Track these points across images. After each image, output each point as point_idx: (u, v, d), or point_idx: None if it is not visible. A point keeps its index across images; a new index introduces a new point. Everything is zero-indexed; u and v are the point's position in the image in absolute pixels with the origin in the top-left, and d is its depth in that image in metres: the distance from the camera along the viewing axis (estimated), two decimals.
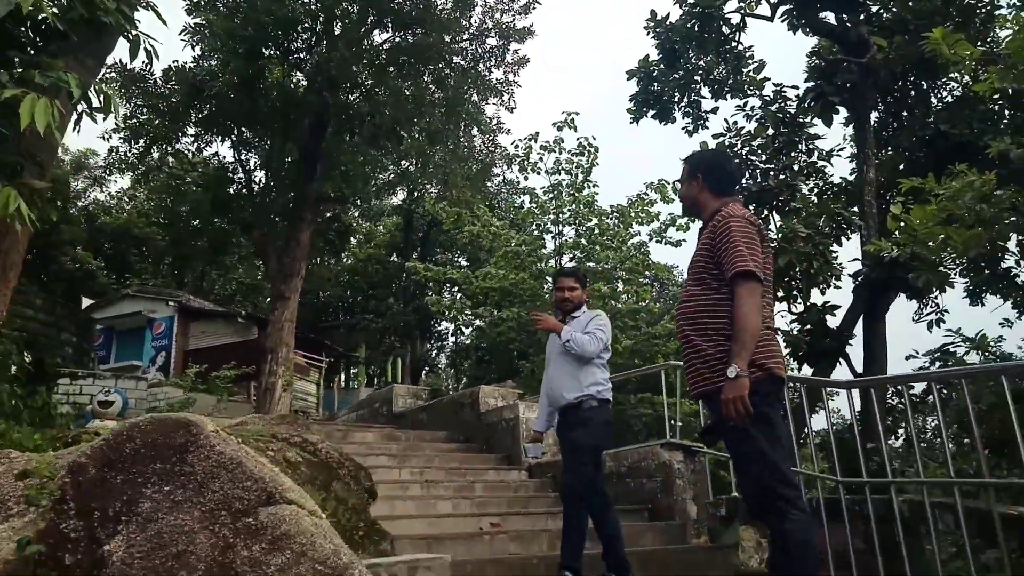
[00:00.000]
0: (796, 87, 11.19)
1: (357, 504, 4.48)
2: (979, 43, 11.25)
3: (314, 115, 11.05)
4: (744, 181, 10.64)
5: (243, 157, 12.61)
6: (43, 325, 12.35)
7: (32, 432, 9.86)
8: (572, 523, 4.35)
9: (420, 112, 11.64)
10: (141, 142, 12.39)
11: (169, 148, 12.59)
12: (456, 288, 21.95)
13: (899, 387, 7.23)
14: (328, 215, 16.27)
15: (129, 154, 12.68)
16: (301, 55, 11.10)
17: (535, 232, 19.43)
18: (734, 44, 14.17)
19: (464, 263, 36.74)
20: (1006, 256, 6.14)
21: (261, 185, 12.68)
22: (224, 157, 13.22)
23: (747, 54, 14.11)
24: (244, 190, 12.65)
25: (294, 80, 11.79)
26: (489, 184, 35.76)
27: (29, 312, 11.96)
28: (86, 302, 22.89)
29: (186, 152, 12.92)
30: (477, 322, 21.92)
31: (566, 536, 4.33)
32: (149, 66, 11.53)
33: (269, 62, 11.38)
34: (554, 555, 4.54)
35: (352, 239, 39.59)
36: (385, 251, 36.50)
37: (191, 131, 12.42)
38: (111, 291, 22.36)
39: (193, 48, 11.17)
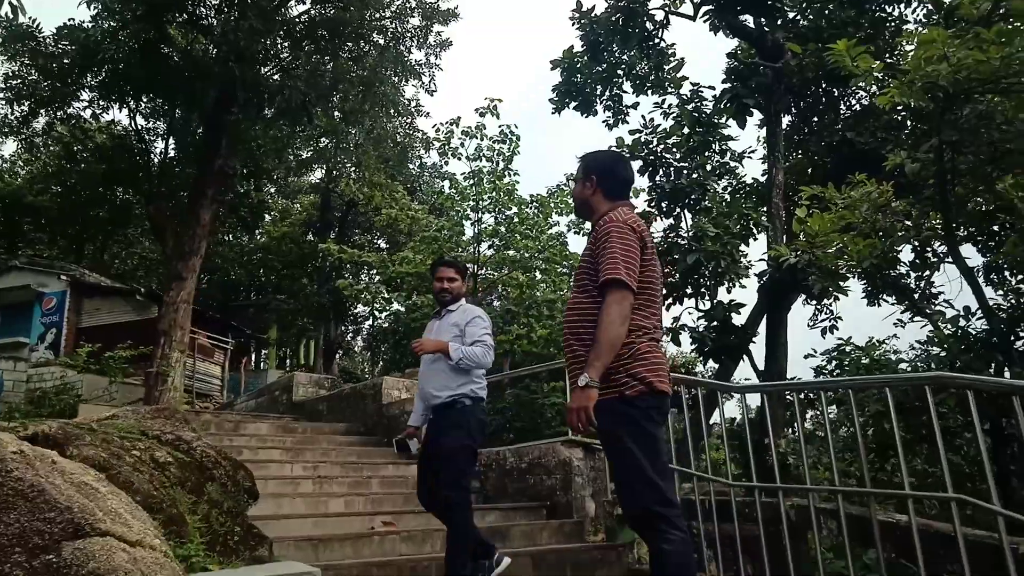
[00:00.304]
0: (712, 87, 11.32)
1: (233, 507, 4.20)
2: (887, 55, 11.65)
3: (220, 87, 10.45)
4: (657, 179, 10.71)
5: (141, 127, 11.81)
6: None
7: None
8: (465, 536, 4.19)
9: (335, 89, 11.17)
10: (25, 104, 11.44)
11: (59, 113, 11.69)
12: (374, 272, 21.46)
13: (790, 394, 7.42)
14: (240, 191, 15.52)
15: (11, 116, 11.70)
16: (209, 20, 10.44)
17: (455, 218, 19.23)
18: (657, 41, 14.24)
19: (384, 246, 36.11)
20: (898, 266, 6.34)
21: (160, 158, 11.93)
22: (121, 126, 12.36)
23: (669, 51, 14.21)
24: (141, 161, 11.87)
25: (201, 48, 11.11)
26: (411, 167, 35.30)
27: None
28: None
29: (81, 119, 12.01)
30: (395, 305, 21.59)
31: (460, 553, 4.16)
32: (37, 23, 10.67)
33: (171, 26, 10.66)
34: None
35: (266, 216, 38.27)
36: (301, 230, 35.38)
37: (85, 96, 11.56)
38: None
39: (89, 7, 10.34)
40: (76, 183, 12.79)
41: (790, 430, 10.60)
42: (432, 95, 13.89)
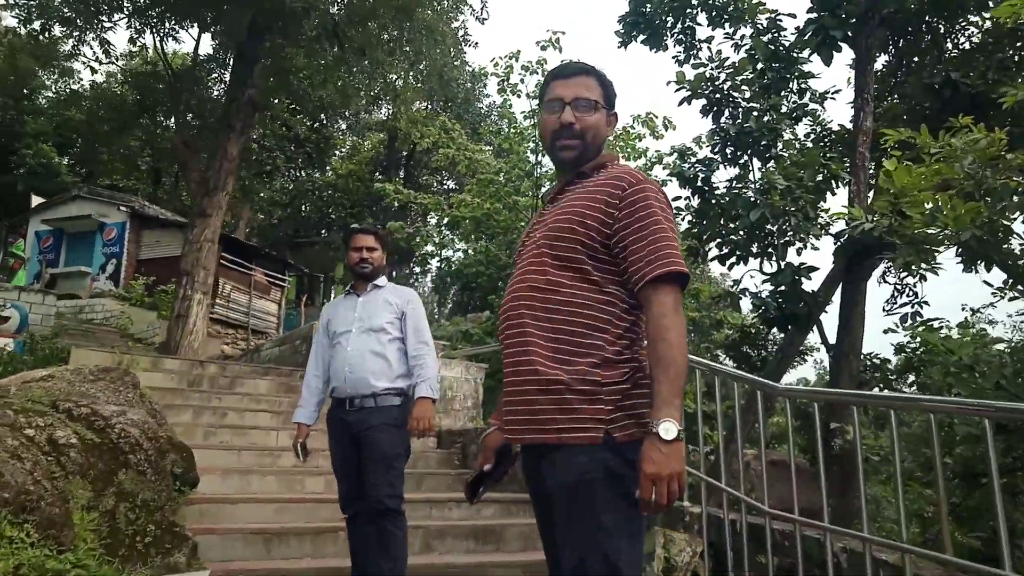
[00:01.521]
0: (794, 15, 9.81)
1: (152, 499, 3.54)
2: None
3: (250, 10, 9.68)
4: (722, 121, 9.43)
5: (171, 53, 11.24)
6: None
7: None
8: (405, 550, 3.45)
9: (373, 14, 10.23)
10: (56, 29, 10.98)
11: (89, 36, 11.20)
12: (439, 214, 20.74)
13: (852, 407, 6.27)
14: (281, 125, 14.85)
15: (42, 39, 11.25)
16: None
17: (514, 159, 18.21)
18: None
19: (454, 187, 35.43)
20: (1010, 239, 5.05)
21: (183, 85, 11.35)
22: (152, 51, 11.79)
23: None
24: (171, 89, 11.30)
25: None
26: (480, 106, 34.22)
27: None
28: (36, 200, 21.73)
29: (110, 44, 11.51)
30: (453, 250, 20.93)
31: (399, 559, 3.43)
32: None
33: None
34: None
35: (336, 153, 38.05)
36: (368, 169, 34.97)
37: (117, 21, 10.98)
38: (62, 191, 21.11)
39: None
40: (105, 111, 12.36)
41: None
42: (483, 23, 12.69)
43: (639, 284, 1.75)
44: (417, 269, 40.14)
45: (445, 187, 37.52)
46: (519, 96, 17.83)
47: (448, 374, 7.33)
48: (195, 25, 11.16)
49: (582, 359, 1.75)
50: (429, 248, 18.55)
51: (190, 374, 7.54)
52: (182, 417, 6.06)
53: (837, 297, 10.10)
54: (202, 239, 9.97)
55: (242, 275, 19.89)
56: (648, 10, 13.27)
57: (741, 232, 9.49)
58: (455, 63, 13.68)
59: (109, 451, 3.55)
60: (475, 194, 18.46)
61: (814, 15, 10.38)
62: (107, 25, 10.85)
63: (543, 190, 18.74)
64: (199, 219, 10.10)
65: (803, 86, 9.65)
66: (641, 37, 13.77)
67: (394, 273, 34.39)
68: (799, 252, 9.69)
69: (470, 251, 18.46)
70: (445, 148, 18.60)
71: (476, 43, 13.45)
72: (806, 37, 9.93)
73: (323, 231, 38.48)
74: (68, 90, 18.77)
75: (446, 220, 19.62)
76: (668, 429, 1.58)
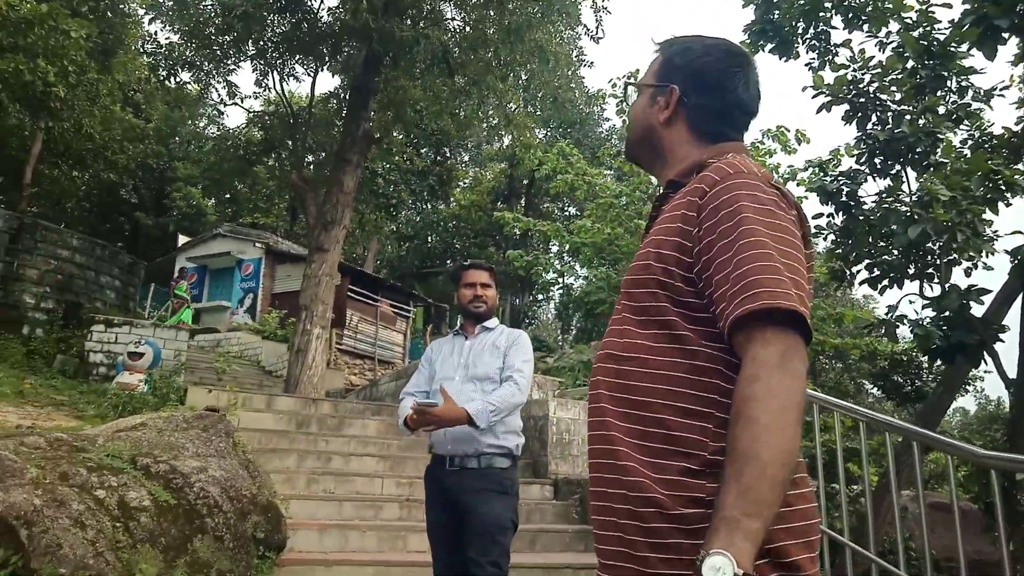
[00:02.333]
0: (950, 5, 8.68)
1: (229, 570, 3.20)
2: None
3: (364, 45, 9.70)
4: (869, 127, 8.40)
5: (290, 93, 11.55)
6: (80, 268, 11.94)
7: (68, 383, 9.41)
8: None
9: (484, 39, 10.02)
10: (185, 74, 11.56)
11: (215, 82, 11.70)
12: (559, 240, 20.39)
13: None
14: (402, 157, 15.00)
15: (169, 84, 11.84)
16: None
17: (635, 182, 17.55)
18: None
19: (575, 213, 35.12)
20: None
21: (306, 121, 11.56)
22: (275, 91, 12.16)
23: None
24: (291, 127, 11.57)
25: (348, 4, 10.45)
26: (600, 130, 33.79)
27: (64, 254, 11.58)
28: (182, 239, 23.22)
29: (237, 87, 11.99)
30: (574, 277, 20.46)
31: None
32: None
33: None
34: None
35: (460, 184, 38.74)
36: (489, 198, 35.30)
37: (244, 66, 11.44)
38: (203, 230, 22.45)
39: None
40: (229, 153, 12.87)
41: None
42: (598, 42, 12.22)
43: (726, 332, 1.14)
44: (540, 297, 39.97)
45: (566, 213, 37.31)
46: None
47: (564, 415, 6.77)
48: (312, 60, 11.39)
49: (677, 461, 1.17)
50: (550, 276, 18.11)
51: (300, 413, 7.40)
52: (286, 462, 5.85)
53: (1014, 323, 8.76)
54: (320, 273, 10.00)
55: (369, 306, 20.30)
56: (776, 17, 12.36)
57: (895, 251, 8.40)
58: (570, 84, 13.27)
59: (185, 514, 3.25)
60: (595, 219, 17.93)
61: (970, 5, 9.17)
62: (231, 68, 11.30)
63: None
64: (317, 254, 10.15)
65: (963, 84, 8.47)
66: (769, 46, 12.84)
67: (516, 300, 34.34)
68: (967, 273, 8.47)
69: (592, 277, 17.89)
70: (564, 174, 18.23)
71: (592, 63, 12.98)
72: (964, 29, 8.75)
73: (448, 261, 39.14)
74: (211, 134, 20.02)
75: (567, 247, 19.21)
76: (718, 567, 0.95)
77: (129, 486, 3.20)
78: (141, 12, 12.56)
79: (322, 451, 6.30)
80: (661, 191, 1.44)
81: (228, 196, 29.32)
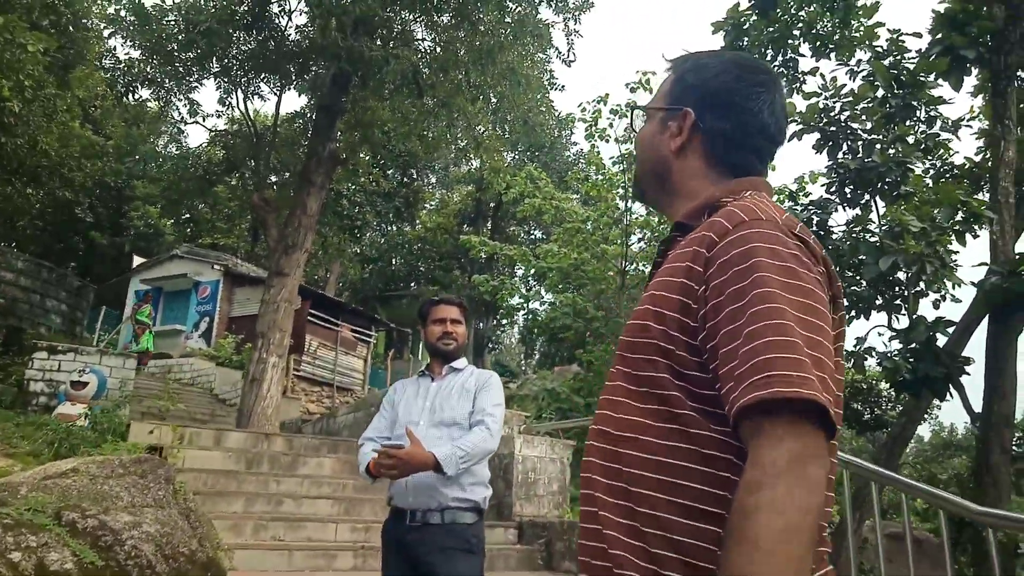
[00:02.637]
0: (919, 35, 8.76)
1: None
2: None
3: (331, 64, 9.45)
4: (840, 156, 8.37)
5: (254, 111, 11.20)
6: (24, 291, 11.38)
7: (3, 415, 8.85)
8: None
9: (453, 61, 9.82)
10: (144, 92, 11.15)
11: (176, 100, 11.31)
12: (524, 265, 20.22)
13: None
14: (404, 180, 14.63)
15: (128, 102, 11.42)
16: None
17: (602, 207, 17.50)
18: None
19: (540, 236, 35.07)
20: None
21: (269, 140, 11.22)
22: (238, 111, 11.78)
23: (859, 3, 11.59)
24: (253, 146, 11.21)
25: (317, 23, 10.21)
26: (568, 154, 33.90)
27: (7, 276, 11.01)
28: (137, 261, 22.53)
29: (198, 104, 11.60)
30: (539, 302, 20.30)
31: None
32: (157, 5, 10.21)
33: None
34: None
35: (426, 205, 38.45)
36: (455, 221, 35.10)
37: (206, 83, 11.06)
38: (161, 251, 21.84)
39: None
40: (188, 172, 12.45)
41: None
42: (570, 66, 12.13)
43: (732, 420, 0.92)
44: (504, 321, 39.73)
45: (532, 237, 37.26)
46: (607, 141, 17.22)
47: (530, 453, 6.47)
48: (278, 79, 11.09)
49: (676, 570, 0.94)
50: (515, 301, 17.89)
51: (251, 451, 6.98)
52: (233, 506, 5.47)
53: (979, 355, 8.74)
54: (279, 299, 9.62)
55: (329, 331, 19.81)
56: (745, 44, 12.44)
57: (864, 282, 8.35)
58: (540, 107, 13.16)
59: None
60: (562, 243, 17.83)
61: (938, 35, 9.28)
62: (194, 86, 10.95)
63: (633, 237, 17.97)
64: (276, 278, 9.77)
65: (932, 114, 8.51)
66: None
67: (481, 324, 34.02)
68: (935, 304, 8.45)
69: (558, 302, 17.73)
70: (531, 198, 18.11)
71: (563, 86, 12.88)
72: (931, 59, 8.83)
73: (412, 284, 38.72)
74: (171, 153, 19.55)
75: (532, 271, 19.07)
76: None
77: (51, 546, 2.85)
78: (103, 26, 12.15)
79: (273, 493, 5.92)
80: (670, 232, 1.21)
81: (187, 216, 28.66)
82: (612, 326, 17.16)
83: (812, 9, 11.87)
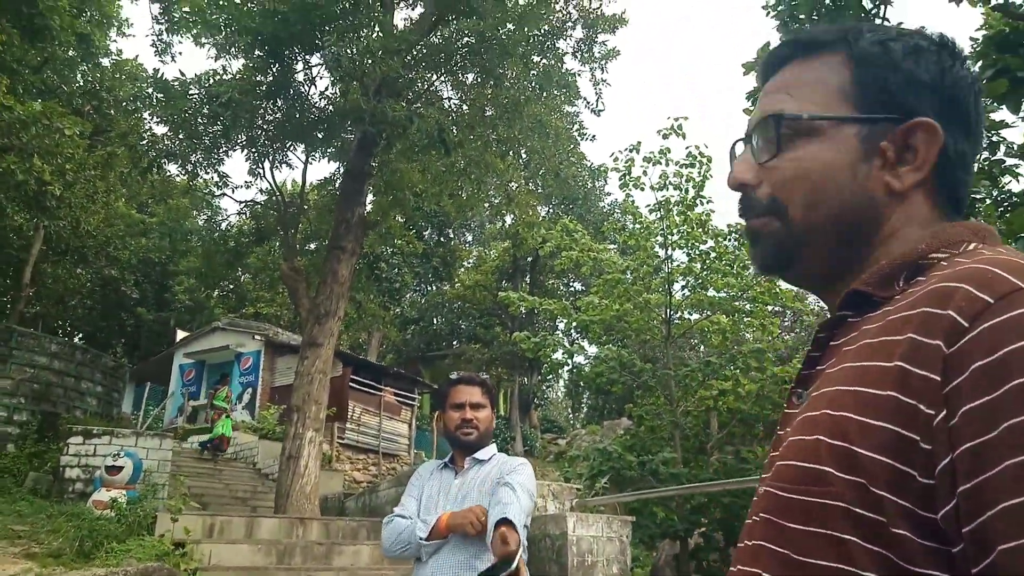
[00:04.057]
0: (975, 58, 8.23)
1: None
2: None
3: (363, 125, 9.33)
4: None
5: (280, 182, 11.17)
6: (58, 375, 11.29)
7: (36, 506, 8.63)
8: None
9: (480, 116, 9.65)
10: (172, 167, 11.22)
11: (205, 174, 11.33)
12: (565, 318, 19.77)
13: None
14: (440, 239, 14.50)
15: (153, 178, 11.50)
16: (340, 56, 9.37)
17: (641, 256, 17.05)
18: (880, 21, 11.26)
19: (580, 289, 34.67)
20: None
21: (295, 209, 11.13)
22: (267, 180, 11.78)
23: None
24: (282, 217, 11.13)
25: (340, 87, 10.16)
26: (602, 204, 33.69)
27: (41, 360, 10.95)
28: (181, 335, 22.67)
29: (227, 177, 11.60)
30: (582, 356, 19.77)
31: None
32: (185, 82, 10.29)
33: (296, 63, 9.78)
34: None
35: (463, 264, 38.51)
36: (493, 278, 34.95)
37: (234, 155, 11.11)
38: (205, 323, 21.97)
39: (198, 44, 9.83)
40: (219, 245, 12.43)
41: None
42: (599, 115, 11.91)
43: None
44: (549, 376, 39.11)
45: (572, 289, 36.88)
46: (642, 189, 16.87)
47: (585, 533, 5.89)
48: (304, 146, 11.06)
49: None
50: (558, 356, 17.41)
51: (283, 542, 6.54)
52: None
53: None
54: (313, 371, 9.32)
55: (372, 396, 19.54)
56: None
57: None
58: (572, 159, 12.91)
59: None
60: (602, 295, 17.36)
61: (990, 58, 8.76)
62: (221, 158, 10.97)
63: (675, 285, 17.43)
64: (309, 349, 9.49)
65: (995, 139, 7.93)
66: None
67: (525, 380, 33.46)
68: None
69: (603, 355, 17.19)
70: (568, 251, 17.76)
71: (593, 136, 12.64)
72: (985, 82, 8.30)
73: (454, 343, 38.50)
74: (203, 226, 19.88)
75: (574, 324, 18.60)
76: None
77: None
78: (135, 105, 12.41)
79: None
80: (843, 304, 0.75)
81: (231, 287, 29.01)
82: (661, 378, 16.52)
83: None
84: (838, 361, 0.68)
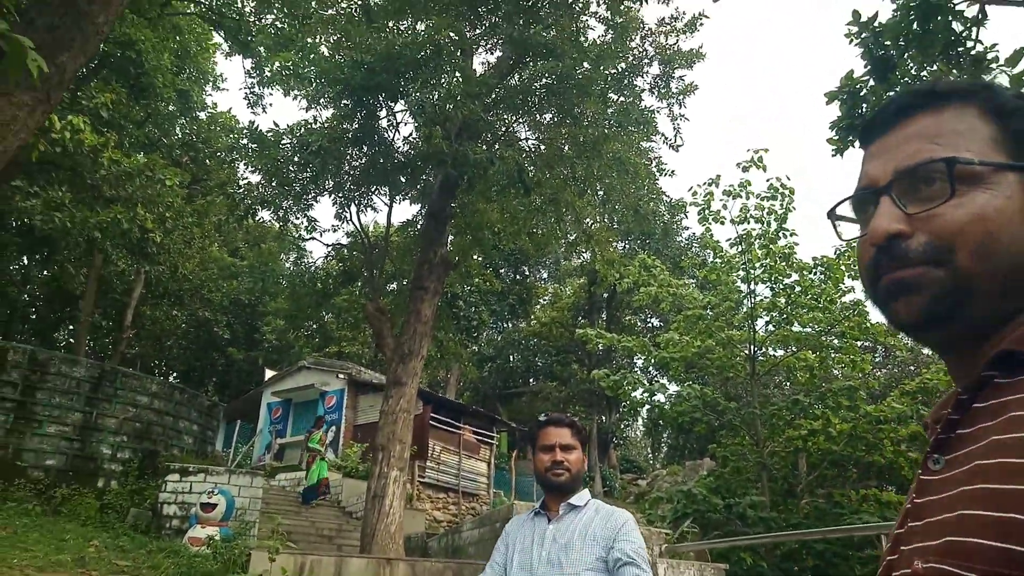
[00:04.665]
0: None
1: None
2: None
3: (445, 168, 9.58)
4: None
5: (365, 224, 11.56)
6: (158, 414, 11.80)
7: (137, 541, 8.98)
8: None
9: (558, 155, 9.76)
10: (264, 213, 11.76)
11: (294, 219, 11.82)
12: (644, 355, 19.48)
13: None
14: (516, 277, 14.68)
15: (248, 223, 12.09)
16: (423, 101, 9.69)
17: (723, 292, 16.69)
18: (971, 44, 10.89)
19: (658, 325, 34.19)
20: None
21: (379, 250, 11.44)
22: (352, 223, 12.21)
23: (989, 55, 10.74)
24: (367, 258, 11.45)
25: (423, 131, 10.49)
26: (679, 238, 33.31)
27: (143, 400, 11.50)
28: (269, 374, 23.42)
29: (315, 220, 12.08)
30: (663, 394, 19.41)
31: None
32: (277, 133, 10.83)
33: (382, 107, 10.15)
34: None
35: (540, 301, 38.61)
36: (570, 315, 34.86)
37: (323, 200, 11.60)
38: (292, 362, 22.64)
39: (287, 94, 10.37)
40: (308, 287, 12.87)
41: None
42: (677, 151, 11.84)
43: None
44: (629, 415, 38.49)
45: (649, 325, 36.38)
46: (722, 223, 16.61)
47: None
48: (388, 190, 11.40)
49: None
50: (638, 395, 17.12)
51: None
52: None
53: None
54: (397, 410, 9.45)
55: (451, 435, 19.64)
56: (865, 110, 11.78)
57: None
58: (651, 195, 12.85)
59: None
60: (682, 332, 17.05)
61: None
62: (310, 203, 11.42)
63: (759, 321, 16.94)
64: (394, 388, 9.64)
65: None
66: (859, 141, 12.18)
67: (603, 419, 33.01)
68: None
69: (685, 393, 16.80)
70: (646, 287, 17.56)
71: (672, 171, 12.56)
72: None
73: (531, 380, 38.43)
74: (291, 269, 20.69)
75: (653, 361, 18.30)
76: None
77: None
78: (232, 155, 13.16)
79: None
80: (981, 371, 0.71)
81: (315, 326, 29.94)
82: (746, 417, 16.02)
83: (935, 68, 11.13)
84: (991, 430, 0.64)
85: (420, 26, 10.29)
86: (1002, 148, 0.73)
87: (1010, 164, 0.71)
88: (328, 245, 12.91)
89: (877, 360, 23.49)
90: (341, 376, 20.70)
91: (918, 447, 14.29)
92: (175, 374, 34.32)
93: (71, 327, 29.80)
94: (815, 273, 15.89)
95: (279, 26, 12.19)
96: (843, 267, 15.48)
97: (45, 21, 5.26)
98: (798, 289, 15.91)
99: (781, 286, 16.15)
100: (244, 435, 21.23)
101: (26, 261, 24.94)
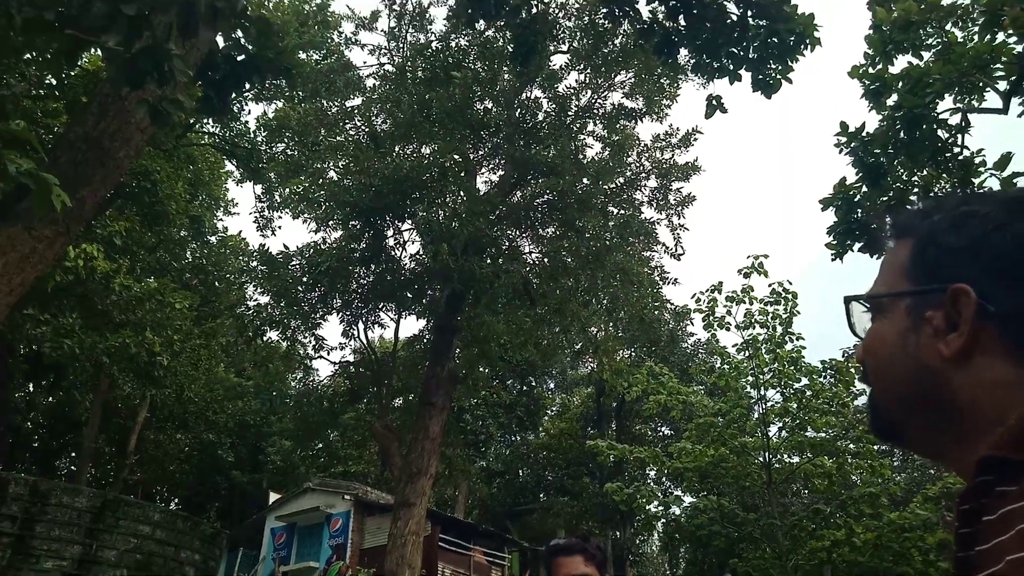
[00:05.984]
0: None
1: None
2: None
3: (452, 283, 9.75)
4: None
5: (372, 340, 11.66)
6: (160, 544, 11.45)
7: None
8: None
9: (562, 267, 9.96)
10: (273, 333, 11.89)
11: (303, 337, 11.93)
12: (657, 466, 19.03)
13: None
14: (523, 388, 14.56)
15: (257, 344, 12.20)
16: (428, 220, 10.00)
17: (733, 398, 16.49)
18: (957, 151, 11.29)
19: (669, 433, 33.55)
20: None
21: (387, 367, 11.46)
22: (360, 341, 12.31)
23: (976, 160, 11.12)
24: (375, 376, 11.48)
25: (429, 249, 10.74)
26: (685, 345, 33.24)
27: (145, 530, 11.18)
28: (273, 497, 22.86)
29: (323, 339, 12.18)
30: (685, 506, 18.80)
31: None
32: (287, 255, 11.10)
33: (389, 227, 10.47)
34: None
35: (547, 412, 38.07)
36: (579, 425, 34.32)
37: (330, 319, 11.74)
38: (295, 484, 22.15)
39: (296, 217, 10.72)
40: (314, 406, 12.80)
41: None
42: (679, 259, 12.08)
43: None
44: (644, 530, 37.18)
45: (660, 433, 35.69)
46: (727, 329, 16.63)
47: None
48: (395, 306, 11.55)
49: None
50: (652, 508, 16.62)
51: None
52: None
53: None
54: (406, 532, 9.17)
55: (461, 556, 18.92)
56: (860, 215, 12.06)
57: None
58: (654, 303, 13.00)
59: None
60: (695, 440, 16.73)
61: None
62: (318, 322, 11.55)
63: (772, 427, 16.64)
64: (403, 510, 9.39)
65: None
66: (857, 245, 12.42)
67: (617, 534, 31.82)
68: None
69: (701, 505, 16.31)
70: (655, 395, 17.39)
71: (675, 280, 12.74)
72: None
73: (541, 495, 37.35)
74: (298, 389, 20.69)
75: (667, 472, 17.85)
76: None
77: None
78: (241, 278, 13.46)
79: None
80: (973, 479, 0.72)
81: (321, 445, 29.47)
82: (766, 528, 15.47)
83: (926, 173, 11.46)
84: (1006, 548, 0.62)
85: (425, 149, 10.76)
86: (908, 275, 0.80)
87: (890, 293, 0.80)
88: (335, 363, 13.00)
89: (895, 464, 22.91)
90: (347, 497, 20.18)
91: (947, 556, 13.75)
92: (176, 499, 33.48)
93: (73, 454, 29.38)
94: (825, 376, 15.77)
95: (289, 153, 12.74)
96: (852, 370, 15.38)
97: (69, 157, 5.51)
98: (809, 393, 15.73)
99: (791, 391, 15.97)
100: (246, 563, 20.49)
101: (31, 388, 24.90)
